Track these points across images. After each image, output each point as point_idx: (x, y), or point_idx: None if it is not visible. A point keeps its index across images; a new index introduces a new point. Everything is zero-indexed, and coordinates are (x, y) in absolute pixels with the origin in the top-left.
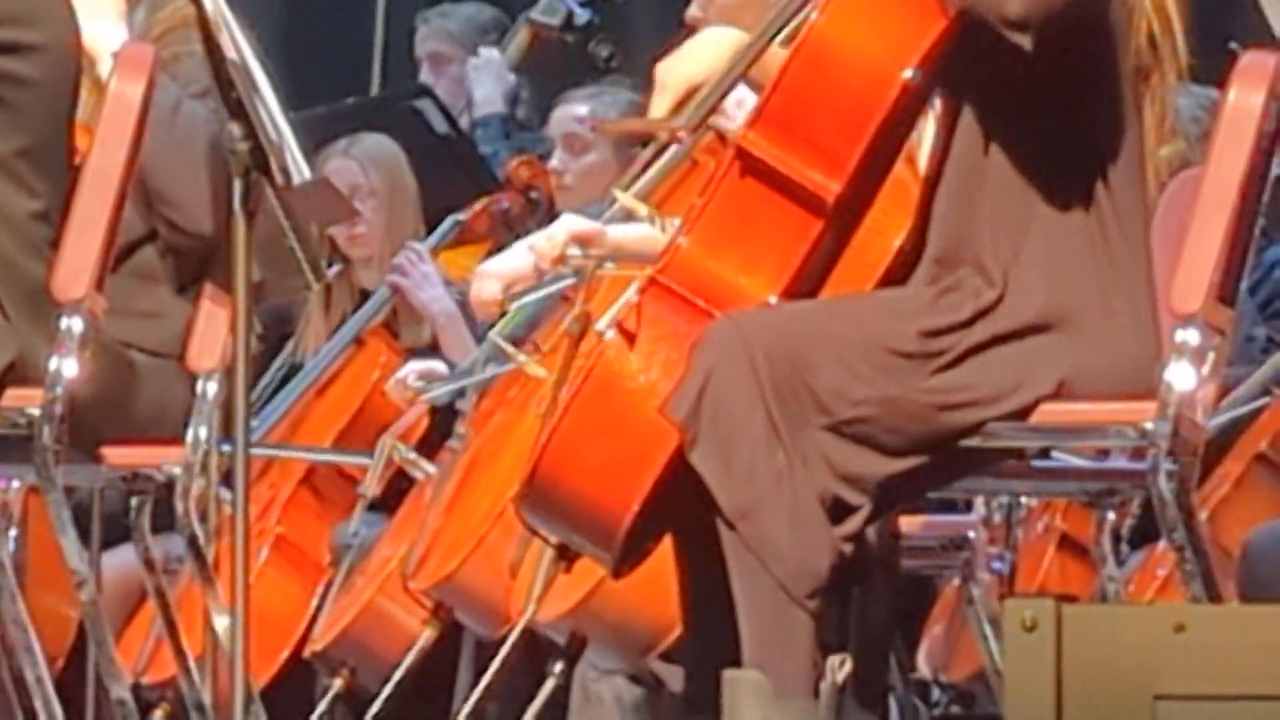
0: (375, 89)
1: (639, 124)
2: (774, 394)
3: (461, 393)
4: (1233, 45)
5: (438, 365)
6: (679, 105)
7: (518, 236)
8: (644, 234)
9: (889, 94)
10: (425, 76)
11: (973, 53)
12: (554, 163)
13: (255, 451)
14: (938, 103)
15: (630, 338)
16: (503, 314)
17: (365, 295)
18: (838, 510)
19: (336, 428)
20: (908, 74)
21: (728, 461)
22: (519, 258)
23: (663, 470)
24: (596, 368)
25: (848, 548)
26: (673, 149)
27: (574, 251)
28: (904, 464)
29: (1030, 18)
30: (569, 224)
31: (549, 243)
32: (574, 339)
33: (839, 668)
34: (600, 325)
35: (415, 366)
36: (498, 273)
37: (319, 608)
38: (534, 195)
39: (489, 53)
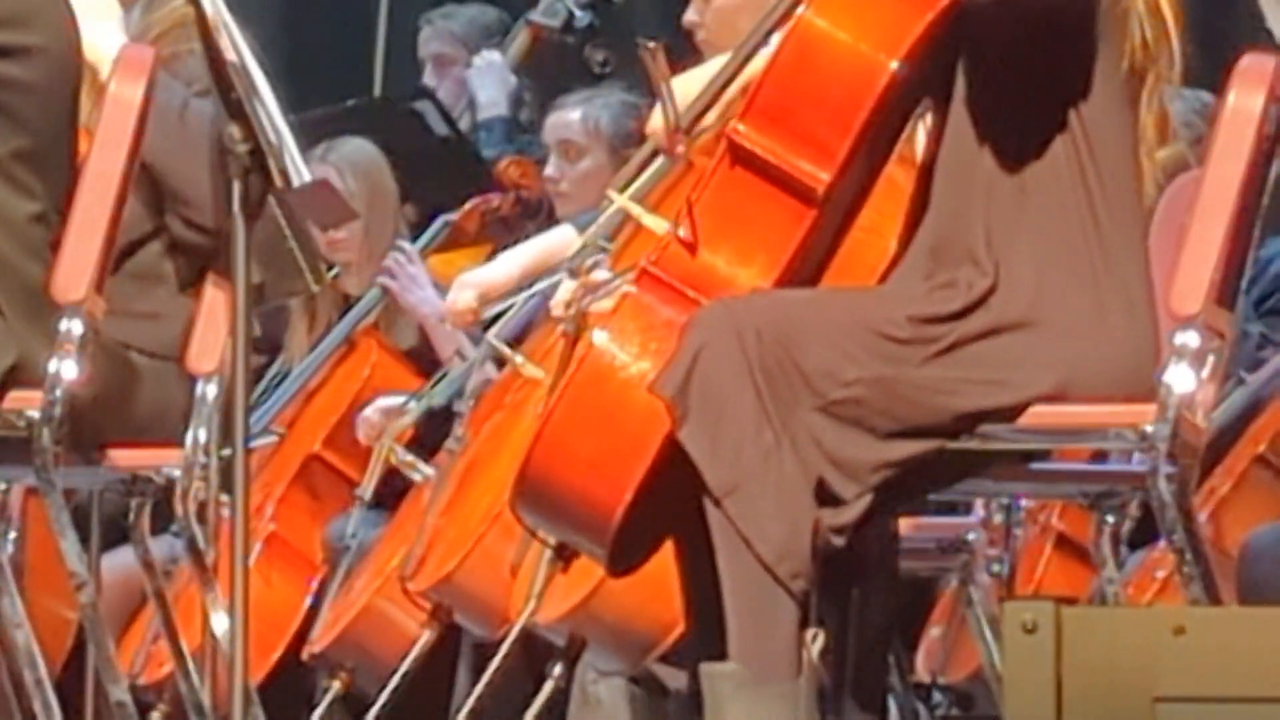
0: (378, 90)
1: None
2: (763, 374)
3: (460, 393)
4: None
5: (398, 400)
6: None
7: (512, 236)
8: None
9: (877, 85)
10: (429, 78)
11: (962, 47)
12: (549, 170)
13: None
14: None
15: (622, 328)
16: (488, 322)
17: (348, 301)
18: (825, 494)
19: (327, 428)
20: (895, 65)
21: (715, 439)
22: (499, 269)
23: (654, 460)
24: (587, 359)
25: (839, 540)
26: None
27: (486, 306)
28: (896, 450)
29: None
30: (462, 295)
31: (460, 317)
32: (570, 338)
33: (813, 641)
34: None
35: (381, 404)
36: (475, 283)
37: (313, 607)
38: (524, 195)
39: (490, 55)
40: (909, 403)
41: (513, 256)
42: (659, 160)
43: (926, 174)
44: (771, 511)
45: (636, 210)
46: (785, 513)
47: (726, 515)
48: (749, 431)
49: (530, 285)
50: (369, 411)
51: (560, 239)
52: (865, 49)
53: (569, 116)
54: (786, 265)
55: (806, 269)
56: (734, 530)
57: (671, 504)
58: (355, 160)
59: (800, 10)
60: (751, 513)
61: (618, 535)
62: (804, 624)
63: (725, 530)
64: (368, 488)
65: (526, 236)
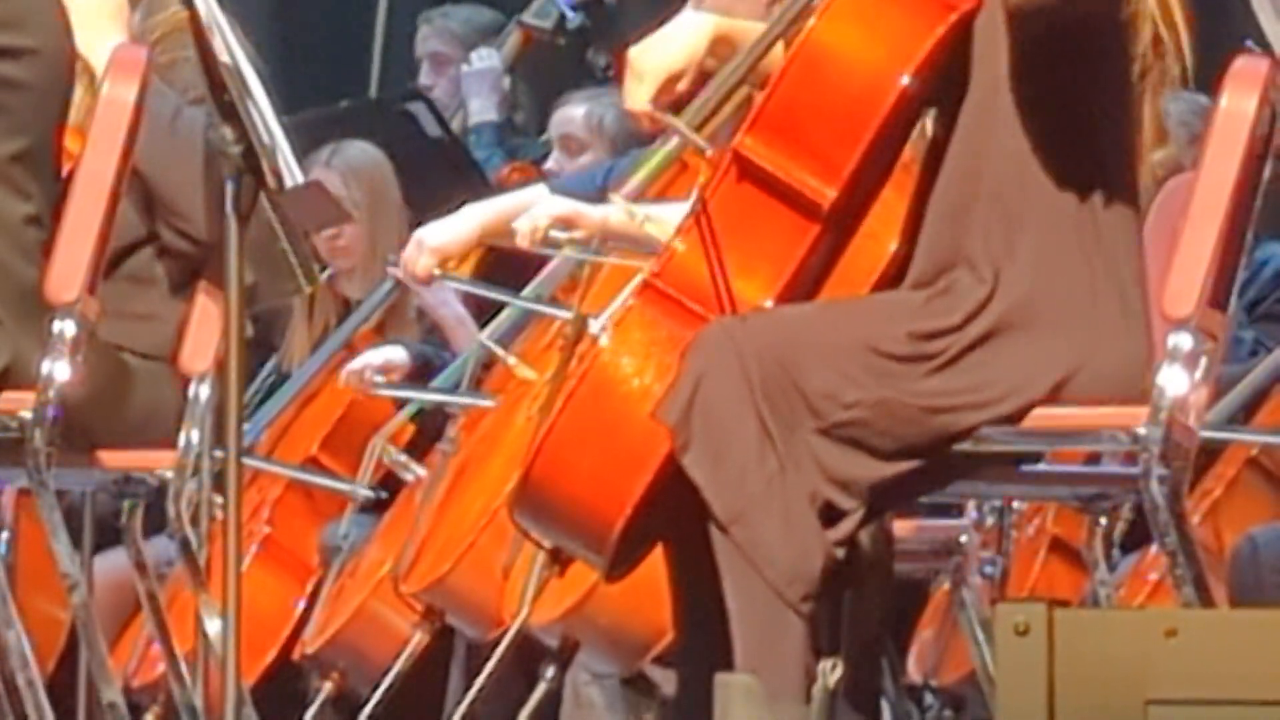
0: (374, 90)
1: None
2: (765, 398)
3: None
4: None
5: (396, 355)
6: (661, 94)
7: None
8: (623, 216)
9: (886, 100)
10: (425, 76)
11: (970, 55)
12: (550, 163)
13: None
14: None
15: (625, 341)
16: (483, 323)
17: (349, 305)
18: (829, 514)
19: (324, 431)
20: (905, 80)
21: (719, 466)
22: (458, 225)
23: (656, 474)
24: (590, 371)
25: (840, 552)
26: (661, 153)
27: (557, 233)
28: (896, 468)
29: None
30: (550, 206)
31: (530, 223)
32: (570, 341)
33: (830, 671)
34: (595, 328)
35: (372, 358)
36: (433, 246)
37: (307, 609)
38: None
39: (486, 56)
40: (909, 423)
41: (474, 211)
42: (652, 160)
43: (928, 175)
44: (778, 536)
45: (639, 214)
46: (792, 536)
47: (733, 541)
48: (753, 457)
49: (534, 284)
50: (359, 364)
51: (525, 197)
52: (875, 64)
53: (573, 112)
54: (789, 279)
55: (809, 281)
56: (741, 556)
57: (666, 511)
58: (359, 165)
59: (809, 22)
60: (758, 538)
61: (617, 545)
62: (815, 648)
63: (732, 556)
64: (361, 487)
65: None
